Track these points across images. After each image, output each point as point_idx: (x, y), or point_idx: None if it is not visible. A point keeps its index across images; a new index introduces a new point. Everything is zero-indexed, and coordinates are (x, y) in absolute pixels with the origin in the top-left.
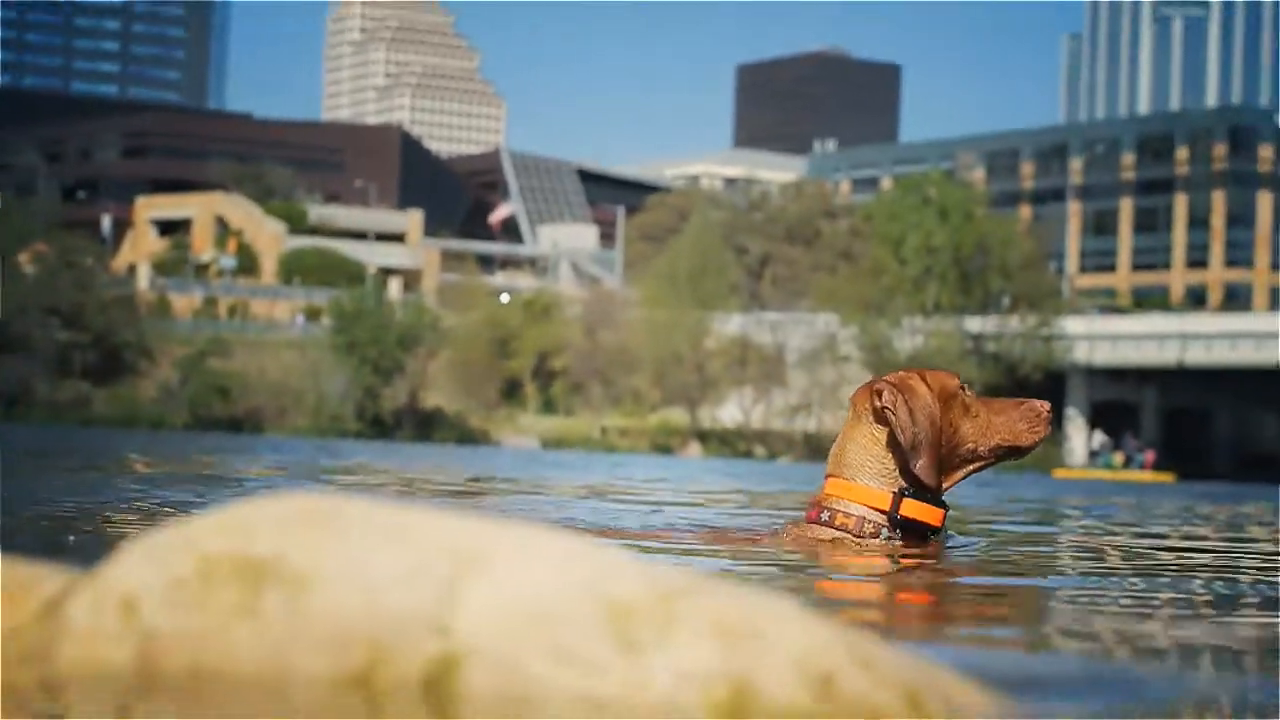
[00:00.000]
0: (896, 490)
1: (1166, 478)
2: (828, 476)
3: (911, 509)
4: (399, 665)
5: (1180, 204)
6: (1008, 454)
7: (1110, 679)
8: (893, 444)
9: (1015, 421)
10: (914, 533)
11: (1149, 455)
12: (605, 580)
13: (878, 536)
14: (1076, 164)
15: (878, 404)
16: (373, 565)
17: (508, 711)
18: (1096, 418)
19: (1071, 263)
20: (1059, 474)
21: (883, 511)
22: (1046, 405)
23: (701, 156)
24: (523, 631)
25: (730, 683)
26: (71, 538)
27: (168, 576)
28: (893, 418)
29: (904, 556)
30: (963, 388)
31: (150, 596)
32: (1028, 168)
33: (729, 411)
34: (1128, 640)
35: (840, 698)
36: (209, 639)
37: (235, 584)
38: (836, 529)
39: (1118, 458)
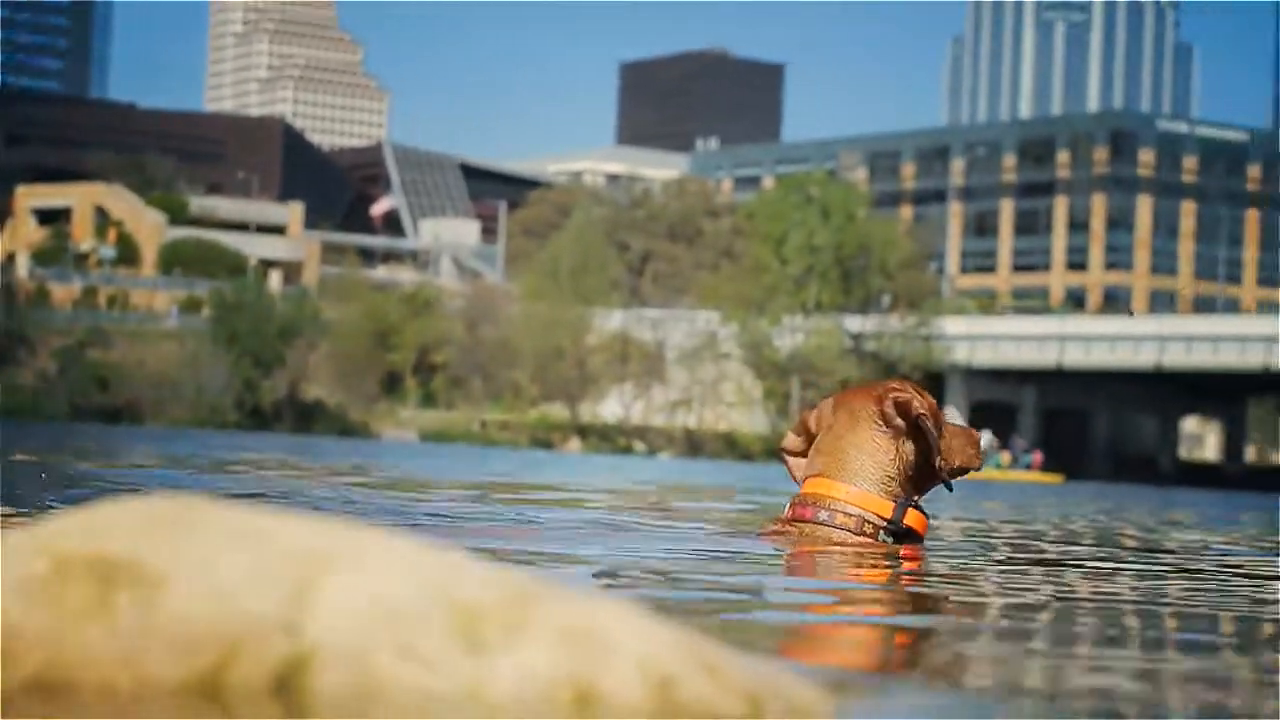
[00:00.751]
0: (901, 499)
1: (1054, 479)
2: (816, 476)
3: (911, 518)
4: (249, 664)
5: (1061, 207)
6: (958, 474)
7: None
8: (894, 451)
9: (967, 446)
10: (904, 537)
11: (1037, 456)
12: (455, 583)
13: (875, 537)
14: (958, 165)
15: (889, 410)
16: (225, 566)
17: (355, 709)
18: (979, 418)
19: (952, 263)
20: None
21: (883, 518)
22: (980, 434)
23: (584, 153)
24: (372, 631)
25: (574, 685)
26: None
27: (21, 575)
28: (927, 425)
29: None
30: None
31: (5, 595)
32: (909, 168)
33: (609, 407)
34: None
35: (681, 701)
36: (62, 638)
37: (88, 584)
38: (837, 528)
39: (1005, 457)
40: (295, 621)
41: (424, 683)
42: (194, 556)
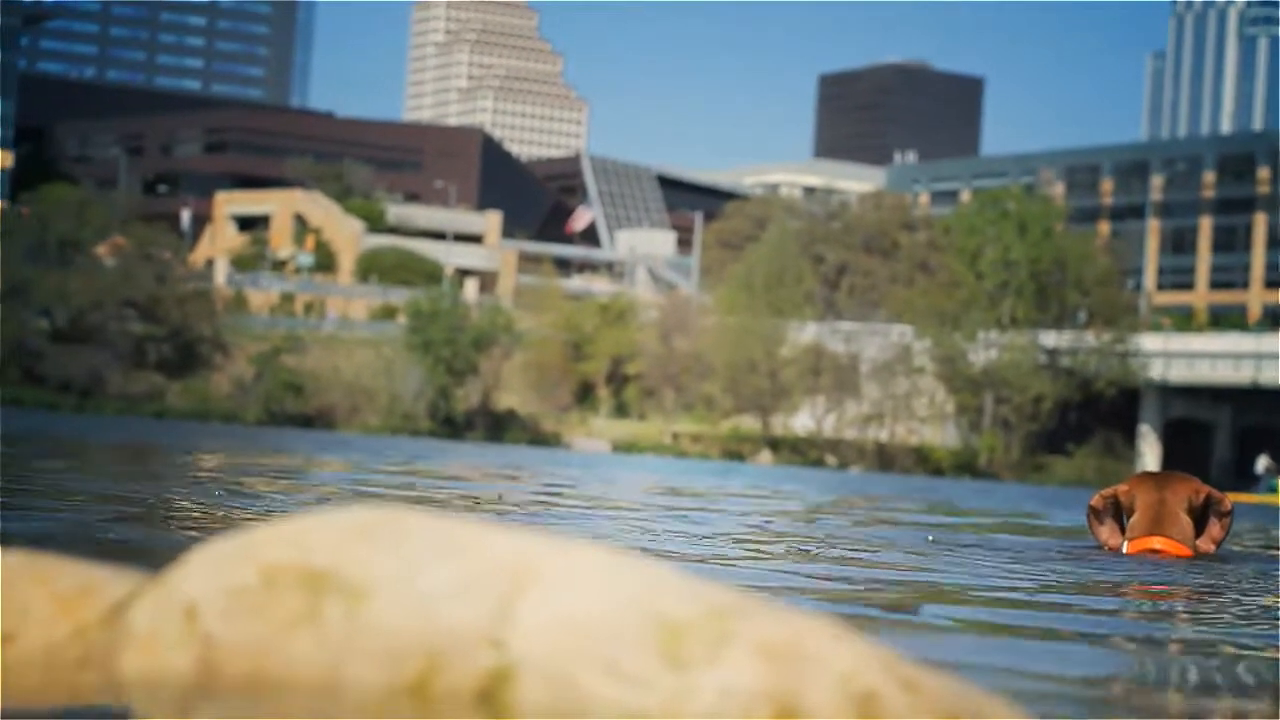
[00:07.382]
0: None
1: None
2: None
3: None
4: (453, 676)
5: (1260, 223)
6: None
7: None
8: None
9: None
10: None
11: None
12: (657, 598)
13: None
14: (1157, 181)
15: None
16: (428, 578)
17: None
18: (1173, 435)
19: (1149, 280)
20: (1231, 497)
21: None
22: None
23: (781, 165)
24: (575, 646)
25: (774, 701)
26: (111, 535)
27: (229, 585)
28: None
29: None
30: None
31: (212, 604)
32: (1108, 184)
33: (801, 420)
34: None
35: (882, 716)
36: (269, 647)
37: (295, 594)
38: None
39: None
40: (499, 635)
41: (626, 698)
42: (398, 568)
